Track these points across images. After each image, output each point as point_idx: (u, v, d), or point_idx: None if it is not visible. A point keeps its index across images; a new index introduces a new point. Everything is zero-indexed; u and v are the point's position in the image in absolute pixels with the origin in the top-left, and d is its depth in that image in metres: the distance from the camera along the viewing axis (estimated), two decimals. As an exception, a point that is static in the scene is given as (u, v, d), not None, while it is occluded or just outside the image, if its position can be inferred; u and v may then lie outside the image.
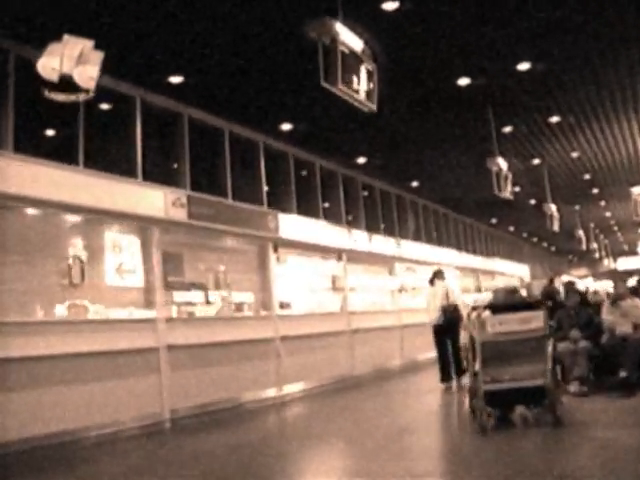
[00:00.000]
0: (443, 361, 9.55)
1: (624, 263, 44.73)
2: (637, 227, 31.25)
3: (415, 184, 17.97)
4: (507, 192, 11.75)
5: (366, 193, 16.51)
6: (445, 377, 9.53)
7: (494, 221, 25.67)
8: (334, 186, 14.90)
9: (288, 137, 12.68)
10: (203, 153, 11.02)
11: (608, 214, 27.20)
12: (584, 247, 25.63)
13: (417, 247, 17.22)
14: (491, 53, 9.68)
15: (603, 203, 24.50)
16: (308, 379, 10.49)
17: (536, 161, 16.27)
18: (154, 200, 8.61)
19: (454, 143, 14.10)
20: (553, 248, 38.38)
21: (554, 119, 13.01)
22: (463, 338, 10.15)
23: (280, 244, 11.02)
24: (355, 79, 6.15)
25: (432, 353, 10.17)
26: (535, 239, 33.28)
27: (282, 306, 10.85)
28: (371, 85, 6.44)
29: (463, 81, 10.59)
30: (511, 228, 28.57)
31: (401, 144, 13.96)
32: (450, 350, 9.50)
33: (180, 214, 8.89)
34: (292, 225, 11.52)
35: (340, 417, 8.13)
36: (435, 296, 9.70)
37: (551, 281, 18.39)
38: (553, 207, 17.29)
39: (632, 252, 43.39)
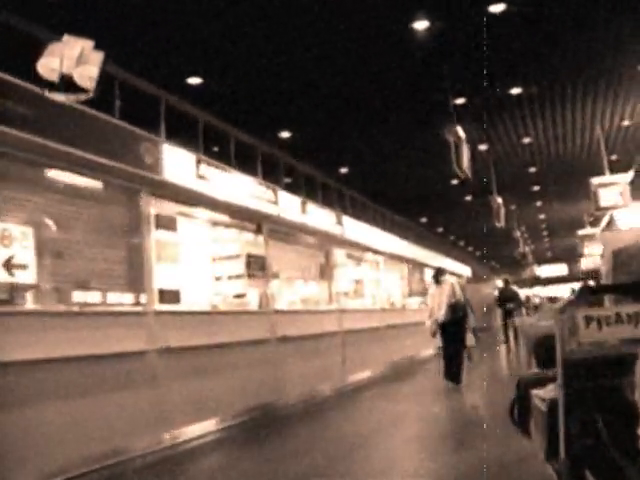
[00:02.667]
0: (450, 359, 9.37)
1: (546, 270, 44.37)
2: (566, 232, 30.25)
3: (344, 170, 15.70)
4: (467, 168, 9.57)
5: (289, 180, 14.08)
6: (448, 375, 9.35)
7: (424, 220, 23.79)
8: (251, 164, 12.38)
9: (197, 97, 10.14)
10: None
11: (542, 216, 25.77)
12: (521, 250, 24.00)
13: (364, 229, 13.75)
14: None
15: (539, 203, 23.01)
16: (209, 414, 6.74)
17: (483, 147, 14.37)
18: None
19: (397, 110, 11.83)
20: (478, 253, 37.14)
21: (515, 90, 11.15)
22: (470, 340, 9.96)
23: (163, 192, 6.78)
24: None
25: (382, 366, 7.98)
26: (462, 242, 31.80)
27: (164, 297, 6.84)
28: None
29: (421, 24, 8.45)
30: (440, 229, 26.80)
31: (333, 113, 11.63)
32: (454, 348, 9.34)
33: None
34: (183, 165, 7.07)
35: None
36: (442, 294, 9.51)
37: (507, 282, 17.62)
38: (500, 200, 15.35)
39: (555, 259, 42.90)
